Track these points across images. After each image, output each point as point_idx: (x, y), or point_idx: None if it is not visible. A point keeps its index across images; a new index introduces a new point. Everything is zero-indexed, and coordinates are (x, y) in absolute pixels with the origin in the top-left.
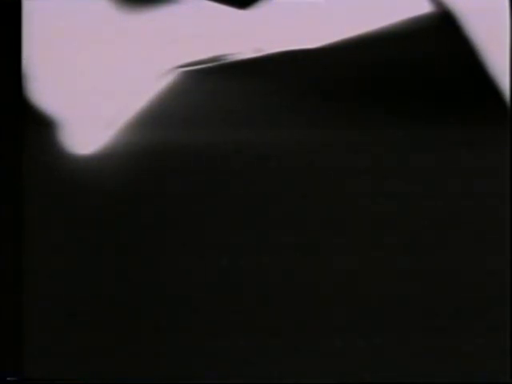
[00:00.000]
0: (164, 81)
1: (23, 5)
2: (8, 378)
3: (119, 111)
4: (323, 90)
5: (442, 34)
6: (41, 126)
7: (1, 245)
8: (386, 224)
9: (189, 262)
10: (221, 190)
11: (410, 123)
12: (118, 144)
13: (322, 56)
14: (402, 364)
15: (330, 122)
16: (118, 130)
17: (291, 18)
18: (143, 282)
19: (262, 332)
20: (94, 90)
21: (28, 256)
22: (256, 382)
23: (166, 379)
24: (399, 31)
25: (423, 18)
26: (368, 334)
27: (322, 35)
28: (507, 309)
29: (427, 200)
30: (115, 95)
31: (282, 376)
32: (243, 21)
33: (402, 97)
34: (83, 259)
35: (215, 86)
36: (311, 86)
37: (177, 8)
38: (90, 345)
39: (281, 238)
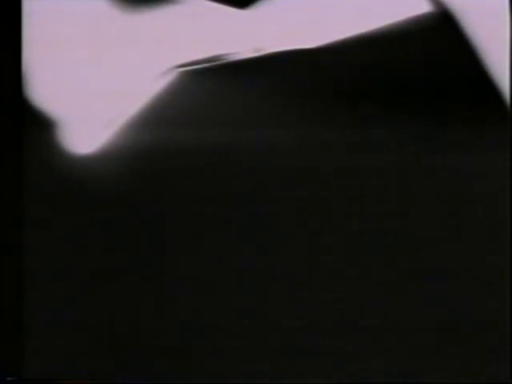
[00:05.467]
0: (164, 81)
1: (23, 5)
2: (8, 378)
3: (119, 111)
4: (323, 90)
5: (442, 34)
6: (41, 125)
7: (1, 245)
8: (386, 224)
9: (189, 262)
10: (221, 190)
11: (409, 123)
12: (117, 144)
13: (322, 56)
14: (402, 364)
15: (329, 121)
16: (117, 130)
17: (291, 17)
18: (143, 282)
19: (263, 332)
20: (94, 90)
21: (28, 256)
22: (256, 381)
23: (166, 379)
24: (399, 31)
25: (423, 18)
26: (367, 333)
27: (322, 35)
28: (507, 309)
29: (427, 200)
30: (115, 95)
31: (282, 376)
32: (243, 21)
33: (402, 97)
34: (83, 259)
35: (215, 86)
36: (311, 86)
37: (177, 8)
38: (90, 345)
39: (281, 238)
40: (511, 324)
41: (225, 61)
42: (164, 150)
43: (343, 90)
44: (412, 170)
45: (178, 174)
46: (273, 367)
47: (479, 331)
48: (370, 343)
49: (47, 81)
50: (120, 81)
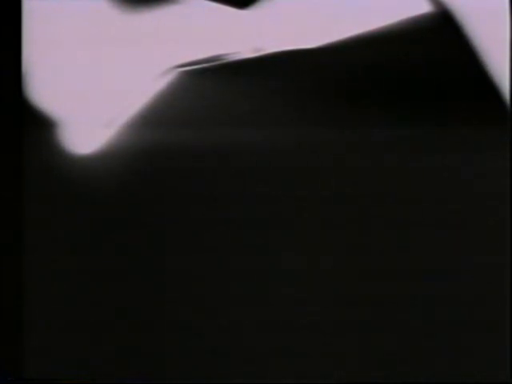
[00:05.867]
0: (164, 81)
1: (23, 5)
2: (8, 378)
3: (119, 111)
4: (323, 90)
5: (442, 34)
6: (41, 125)
7: (1, 245)
8: (385, 224)
9: (189, 261)
10: (221, 190)
11: (409, 123)
12: (117, 144)
13: (322, 56)
14: (402, 364)
15: (330, 121)
16: (117, 130)
17: (291, 17)
18: (143, 282)
19: (263, 332)
20: (94, 90)
21: (28, 256)
22: (255, 381)
23: (166, 379)
24: (399, 31)
25: (423, 18)
26: (367, 333)
27: (322, 35)
28: (507, 309)
29: (427, 200)
30: (115, 95)
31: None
32: (243, 21)
33: (402, 97)
34: (83, 259)
35: (215, 86)
36: (311, 86)
37: (177, 8)
38: (90, 345)
39: (281, 239)
40: (511, 324)
41: (225, 61)
42: (164, 150)
43: (343, 89)
44: (412, 169)
45: (178, 174)
46: (273, 367)
47: (479, 331)
48: (370, 343)
49: (47, 81)
50: (120, 81)
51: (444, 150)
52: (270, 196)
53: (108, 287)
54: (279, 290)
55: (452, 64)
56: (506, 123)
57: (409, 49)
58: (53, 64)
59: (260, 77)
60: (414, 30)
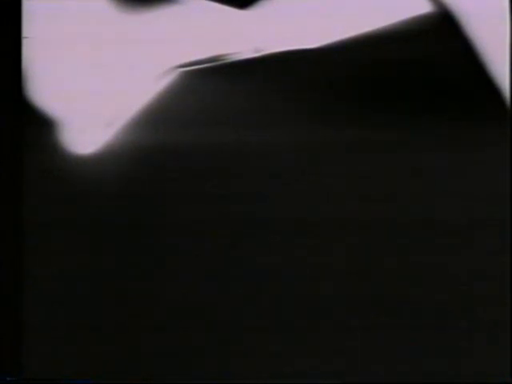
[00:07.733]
0: (164, 81)
1: (23, 5)
2: (8, 378)
3: (119, 111)
4: (323, 90)
5: (442, 34)
6: (41, 125)
7: (1, 245)
8: (385, 224)
9: (189, 262)
10: (220, 190)
11: (409, 123)
12: (118, 144)
13: (322, 56)
14: (402, 364)
15: (329, 121)
16: (118, 130)
17: (291, 17)
18: (143, 282)
19: (262, 333)
20: (94, 90)
21: (28, 256)
22: (256, 382)
23: (166, 379)
24: (399, 31)
25: (423, 18)
26: (368, 333)
27: (322, 35)
28: (507, 309)
29: (427, 200)
30: (115, 95)
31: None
32: (243, 21)
33: (402, 97)
34: (83, 259)
35: (215, 85)
36: (311, 86)
37: (177, 8)
38: (90, 345)
39: (281, 238)
40: (511, 324)
41: (225, 61)
42: (164, 149)
43: (343, 89)
44: (412, 169)
45: (178, 174)
46: (272, 367)
47: (479, 331)
48: (371, 343)
49: (47, 81)
50: (120, 81)
51: (444, 149)
52: (270, 195)
53: (108, 287)
54: (279, 290)
55: (452, 64)
56: (506, 123)
57: (409, 49)
58: (53, 64)
59: (260, 77)
60: (414, 29)
